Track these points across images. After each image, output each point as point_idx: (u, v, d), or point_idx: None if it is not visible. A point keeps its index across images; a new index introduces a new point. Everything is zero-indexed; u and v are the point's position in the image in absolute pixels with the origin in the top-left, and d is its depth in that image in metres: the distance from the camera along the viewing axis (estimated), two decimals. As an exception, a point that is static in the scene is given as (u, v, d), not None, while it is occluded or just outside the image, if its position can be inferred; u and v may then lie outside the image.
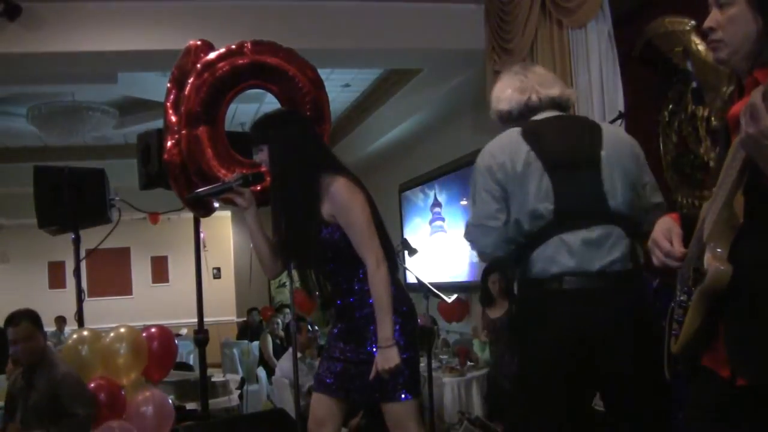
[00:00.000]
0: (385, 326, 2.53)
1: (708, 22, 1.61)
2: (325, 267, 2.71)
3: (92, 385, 3.79)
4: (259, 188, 2.90)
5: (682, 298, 1.62)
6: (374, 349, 2.57)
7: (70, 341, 4.03)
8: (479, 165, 2.39)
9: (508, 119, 2.50)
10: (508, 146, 2.35)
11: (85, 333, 3.99)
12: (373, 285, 2.56)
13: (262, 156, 2.69)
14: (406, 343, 2.60)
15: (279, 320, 8.73)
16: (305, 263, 2.76)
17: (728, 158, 1.50)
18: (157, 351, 3.96)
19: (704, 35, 1.63)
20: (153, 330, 4.12)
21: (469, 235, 2.41)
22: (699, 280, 1.54)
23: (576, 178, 2.29)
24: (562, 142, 2.37)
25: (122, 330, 3.93)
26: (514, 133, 2.39)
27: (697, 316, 1.54)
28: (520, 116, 2.48)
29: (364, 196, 2.63)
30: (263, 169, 2.75)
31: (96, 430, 3.64)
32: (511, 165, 2.31)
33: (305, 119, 2.84)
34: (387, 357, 2.52)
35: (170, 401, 3.83)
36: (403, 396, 2.60)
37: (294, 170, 2.63)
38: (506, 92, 2.51)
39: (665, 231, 1.72)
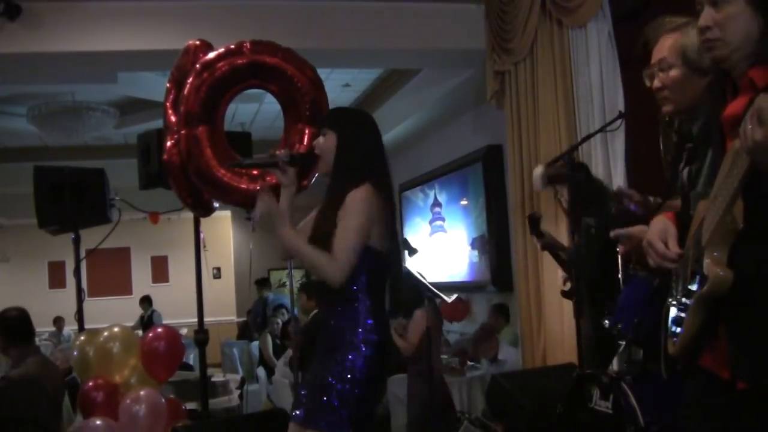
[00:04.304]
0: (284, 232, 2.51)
1: (702, 21, 1.59)
2: None
3: (90, 384, 3.79)
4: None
5: (681, 299, 1.61)
6: (331, 380, 2.44)
7: (77, 342, 4.04)
8: None
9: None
10: None
11: (82, 337, 4.01)
12: (317, 265, 2.46)
13: (321, 141, 2.60)
14: (364, 377, 2.44)
15: (279, 320, 8.72)
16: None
17: (727, 162, 1.48)
18: (163, 351, 3.95)
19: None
20: (159, 330, 4.08)
21: None
22: (698, 284, 1.53)
23: None
24: None
25: (116, 329, 3.92)
26: None
27: (697, 319, 1.53)
28: None
29: (378, 206, 2.50)
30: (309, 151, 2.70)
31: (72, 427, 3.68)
32: None
33: (377, 130, 2.71)
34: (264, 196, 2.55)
35: (163, 401, 3.80)
36: (324, 424, 2.41)
37: (350, 170, 2.55)
38: None
39: (660, 232, 1.70)
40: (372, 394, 2.53)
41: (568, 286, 4.01)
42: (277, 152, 2.62)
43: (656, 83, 2.21)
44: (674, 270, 1.67)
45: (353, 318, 2.49)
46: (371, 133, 2.65)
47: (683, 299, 1.59)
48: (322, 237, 2.49)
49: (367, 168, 2.56)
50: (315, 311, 5.62)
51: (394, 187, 2.65)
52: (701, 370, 1.61)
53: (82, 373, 3.97)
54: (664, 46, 2.21)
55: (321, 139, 2.61)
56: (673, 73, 2.16)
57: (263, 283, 10.70)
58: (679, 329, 1.59)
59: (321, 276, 2.48)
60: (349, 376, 2.42)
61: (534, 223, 4.00)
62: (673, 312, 1.64)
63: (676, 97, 2.19)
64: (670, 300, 1.68)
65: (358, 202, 2.46)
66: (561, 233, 4.39)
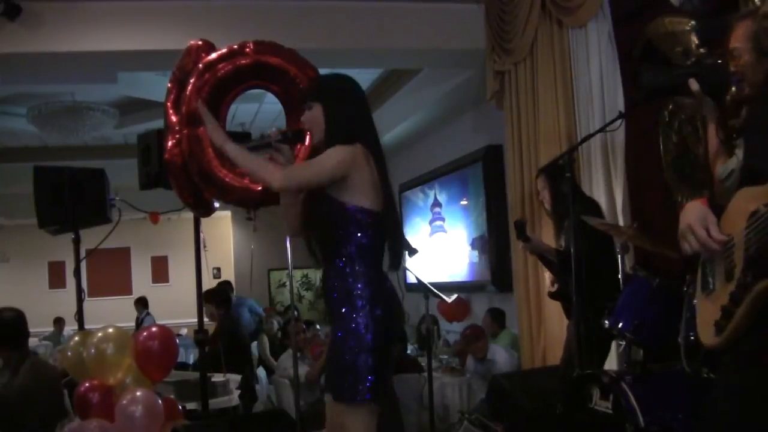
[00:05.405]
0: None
1: None
2: (321, 233, 2.62)
3: (86, 385, 3.78)
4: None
5: (736, 288, 1.56)
6: (339, 335, 2.46)
7: (70, 343, 4.03)
8: None
9: None
10: None
11: (77, 337, 4.01)
12: (256, 168, 2.54)
13: (308, 114, 2.63)
14: (373, 345, 2.43)
15: (275, 320, 8.72)
16: (312, 225, 2.65)
17: None
18: (157, 350, 3.93)
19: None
20: (153, 329, 4.07)
21: None
22: (759, 273, 1.49)
23: None
24: None
25: (110, 330, 3.91)
26: None
27: (755, 307, 1.50)
28: None
29: (363, 165, 2.50)
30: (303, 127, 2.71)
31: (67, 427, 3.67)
32: None
33: (362, 92, 2.77)
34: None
35: (159, 401, 3.79)
36: (343, 396, 2.44)
37: (340, 134, 2.56)
38: None
39: (701, 219, 1.66)
40: (382, 359, 2.47)
41: (556, 287, 4.03)
42: (269, 132, 2.67)
43: (730, 69, 2.29)
44: (702, 262, 1.63)
45: (346, 282, 2.49)
46: (356, 97, 2.71)
47: (738, 288, 1.54)
48: (319, 216, 2.53)
49: (357, 132, 2.59)
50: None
51: (384, 153, 2.65)
52: (761, 366, 1.56)
53: (76, 374, 3.95)
54: (736, 35, 2.28)
55: (307, 112, 2.63)
56: (745, 57, 2.22)
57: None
58: (723, 320, 1.55)
59: (260, 179, 2.59)
60: (354, 344, 2.42)
61: (520, 228, 4.02)
62: (717, 302, 1.59)
63: (748, 80, 2.24)
64: (701, 292, 1.64)
65: (334, 150, 2.48)
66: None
